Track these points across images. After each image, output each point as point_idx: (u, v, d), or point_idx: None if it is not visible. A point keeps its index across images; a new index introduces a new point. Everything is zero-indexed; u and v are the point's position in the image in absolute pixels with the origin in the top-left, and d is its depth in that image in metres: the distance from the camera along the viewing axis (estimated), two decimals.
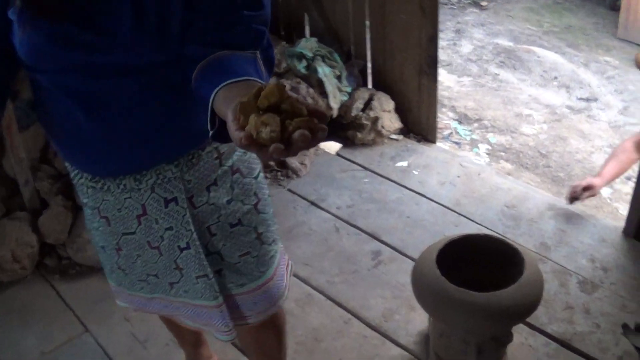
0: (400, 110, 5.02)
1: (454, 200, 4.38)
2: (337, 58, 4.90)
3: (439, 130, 5.34)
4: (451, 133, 5.80)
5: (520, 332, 3.42)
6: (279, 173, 4.73)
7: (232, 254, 2.18)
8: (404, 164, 4.75)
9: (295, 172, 4.69)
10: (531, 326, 3.48)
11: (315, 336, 3.52)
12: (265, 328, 2.53)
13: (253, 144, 1.22)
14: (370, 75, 5.20)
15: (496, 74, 6.87)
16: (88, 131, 1.87)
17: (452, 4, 8.64)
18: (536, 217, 4.19)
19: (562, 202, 4.28)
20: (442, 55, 7.08)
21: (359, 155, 4.88)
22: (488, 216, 4.23)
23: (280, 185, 4.67)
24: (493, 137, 5.74)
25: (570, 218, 4.17)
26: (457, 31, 7.88)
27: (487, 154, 5.52)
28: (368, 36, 5.00)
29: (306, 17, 5.27)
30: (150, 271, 2.22)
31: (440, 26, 7.66)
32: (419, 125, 5.02)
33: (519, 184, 4.57)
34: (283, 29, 5.47)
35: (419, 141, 5.01)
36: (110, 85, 1.78)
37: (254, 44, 1.75)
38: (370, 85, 5.18)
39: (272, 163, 4.68)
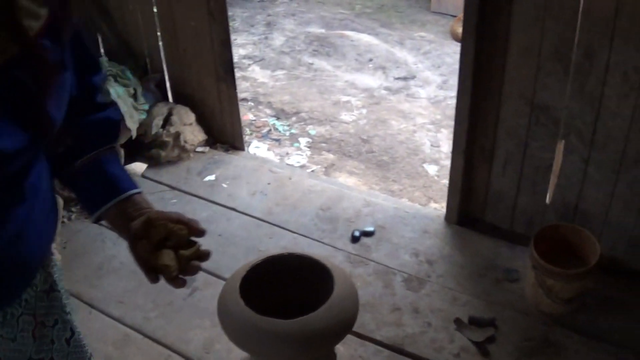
0: (203, 121, 4.72)
1: (266, 210, 4.10)
2: (130, 75, 4.51)
3: (257, 130, 5.16)
4: (270, 130, 5.55)
5: (349, 344, 3.18)
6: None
7: None
8: (212, 177, 4.44)
9: None
10: (359, 335, 3.25)
11: None
12: None
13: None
14: (169, 89, 4.84)
15: (310, 63, 6.65)
16: None
17: None
18: (352, 217, 3.95)
19: (378, 196, 4.05)
20: (254, 51, 6.87)
21: (165, 174, 4.52)
22: (303, 222, 3.97)
23: (87, 218, 4.22)
24: (313, 130, 5.52)
25: (388, 212, 3.94)
26: (268, 24, 7.59)
27: (308, 147, 5.29)
28: (162, 47, 4.66)
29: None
30: None
31: (251, 21, 7.48)
32: (225, 134, 4.73)
33: (333, 183, 4.34)
34: None
35: (226, 150, 4.72)
36: None
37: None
38: (171, 99, 4.84)
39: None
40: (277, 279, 2.80)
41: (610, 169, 3.26)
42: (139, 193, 1.71)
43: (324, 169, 4.97)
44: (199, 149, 4.66)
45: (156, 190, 4.38)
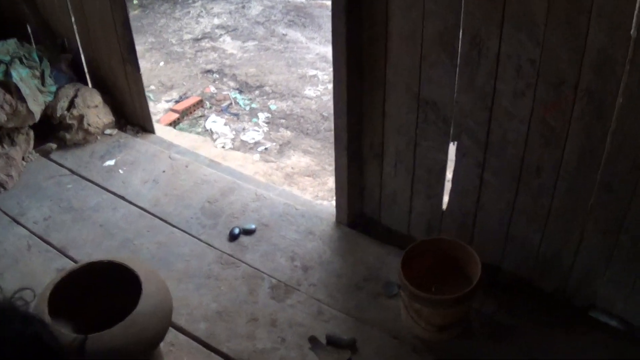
0: (116, 103, 4.31)
1: (154, 201, 3.67)
2: (36, 57, 4.10)
3: (217, 103, 4.91)
4: (230, 104, 5.19)
5: (193, 353, 2.77)
6: None
7: None
8: (112, 162, 4.01)
9: (2, 186, 3.88)
10: (206, 345, 2.82)
11: None
12: None
13: None
14: (86, 70, 4.41)
15: (284, 34, 6.22)
16: None
17: None
18: (238, 212, 3.48)
19: (273, 190, 3.56)
20: (228, 20, 6.50)
21: (70, 157, 4.11)
22: (185, 216, 3.53)
23: None
24: (274, 105, 5.13)
25: (276, 209, 3.44)
26: None
27: (267, 123, 4.93)
28: (75, 28, 4.23)
29: None
30: None
31: None
32: (136, 116, 4.30)
33: (230, 174, 3.84)
34: (9, 23, 4.60)
35: (136, 133, 4.28)
36: None
37: None
38: (89, 81, 4.42)
39: None
40: (95, 287, 2.49)
41: (510, 177, 2.71)
42: None
43: (278, 147, 4.60)
44: (108, 131, 4.24)
45: (57, 174, 3.97)
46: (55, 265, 3.33)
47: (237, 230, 3.32)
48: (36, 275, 3.31)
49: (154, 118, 4.92)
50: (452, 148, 2.82)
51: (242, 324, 2.86)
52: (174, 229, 3.43)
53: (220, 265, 3.16)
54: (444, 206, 3.01)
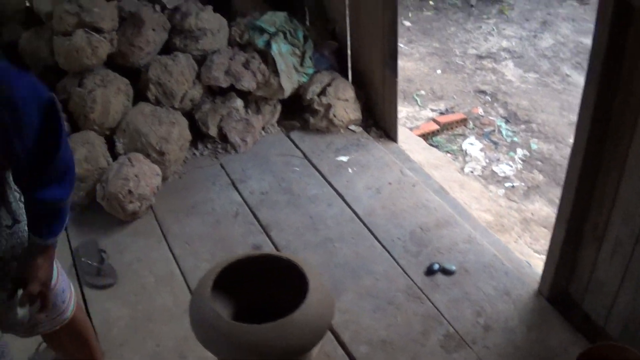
0: (366, 102, 4.36)
1: (369, 209, 3.67)
2: (300, 36, 4.26)
3: (480, 126, 4.85)
4: (493, 131, 5.10)
5: None
6: (219, 146, 4.23)
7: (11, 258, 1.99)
8: (344, 159, 4.07)
9: (234, 147, 4.13)
10: None
11: None
12: (64, 333, 2.39)
13: None
14: (350, 60, 4.49)
15: (567, 75, 5.95)
16: None
17: None
18: (444, 248, 3.39)
19: (487, 237, 3.47)
20: (516, 46, 6.36)
21: (307, 141, 4.26)
22: (393, 234, 3.50)
23: (216, 158, 4.18)
24: (535, 144, 4.96)
25: (484, 257, 3.33)
26: (544, 23, 6.87)
27: (522, 160, 4.78)
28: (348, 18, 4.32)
29: None
30: None
31: (527, 15, 6.95)
32: (383, 120, 4.31)
33: (453, 206, 3.73)
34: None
35: (379, 137, 4.29)
36: None
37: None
38: (350, 71, 4.50)
39: (214, 135, 4.20)
40: (247, 280, 2.57)
41: None
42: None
43: (526, 188, 4.46)
44: (352, 127, 4.30)
45: (289, 153, 4.14)
46: (252, 240, 3.49)
47: (436, 267, 3.26)
48: (229, 242, 3.51)
49: (416, 123, 4.96)
50: None
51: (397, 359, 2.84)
52: (377, 243, 3.42)
53: (406, 295, 3.12)
54: None
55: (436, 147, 4.80)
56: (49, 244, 1.96)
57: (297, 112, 4.40)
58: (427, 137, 4.86)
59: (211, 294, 2.37)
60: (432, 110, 5.39)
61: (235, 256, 2.54)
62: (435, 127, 5.01)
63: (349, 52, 4.43)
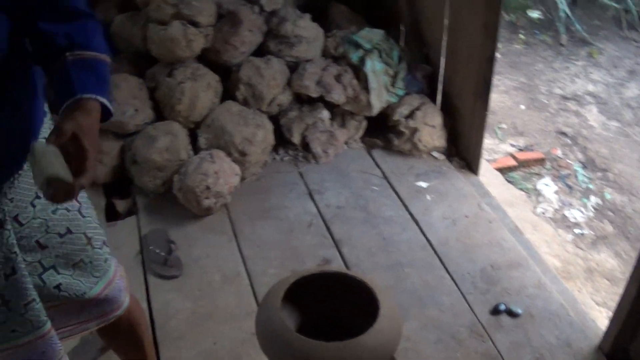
0: (452, 130, 4.34)
1: (443, 240, 3.64)
2: (395, 56, 4.27)
3: (557, 167, 4.85)
4: (569, 175, 5.04)
5: None
6: (300, 154, 4.27)
7: (66, 265, 1.94)
8: (423, 185, 4.05)
9: (315, 158, 4.16)
10: None
11: None
12: (121, 325, 2.35)
13: None
14: (440, 85, 4.48)
15: None
16: None
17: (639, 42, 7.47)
18: (513, 290, 3.34)
19: (557, 284, 3.44)
20: (602, 92, 6.26)
21: (389, 161, 4.25)
22: (463, 269, 3.46)
23: (295, 166, 4.21)
24: (609, 194, 4.88)
25: (551, 305, 3.29)
26: (631, 72, 6.73)
27: (595, 209, 4.71)
28: (444, 43, 4.31)
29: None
30: None
31: (616, 62, 6.88)
32: (466, 150, 4.29)
33: (526, 248, 3.68)
34: (385, 15, 4.83)
35: (461, 167, 4.26)
36: None
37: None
38: (439, 96, 4.48)
39: (296, 143, 4.26)
40: (315, 293, 2.55)
41: None
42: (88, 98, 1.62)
43: (594, 237, 4.39)
44: (435, 153, 4.28)
45: (369, 171, 4.15)
46: (323, 253, 3.50)
47: (502, 307, 3.21)
48: (300, 252, 3.53)
49: (494, 156, 4.92)
50: None
51: None
52: (447, 275, 3.39)
53: (469, 331, 3.08)
54: None
55: (511, 183, 4.78)
56: (90, 99, 1.61)
57: (380, 130, 4.40)
58: (503, 171, 4.84)
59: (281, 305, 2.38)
60: (512, 145, 5.35)
61: (309, 270, 2.53)
62: (513, 163, 4.98)
63: (440, 77, 4.41)
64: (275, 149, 4.24)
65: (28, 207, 1.79)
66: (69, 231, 1.91)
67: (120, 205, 3.90)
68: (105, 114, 1.66)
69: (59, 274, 1.93)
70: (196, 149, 3.92)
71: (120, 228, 3.73)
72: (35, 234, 1.83)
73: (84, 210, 1.97)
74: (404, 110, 4.22)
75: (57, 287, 1.92)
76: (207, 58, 4.17)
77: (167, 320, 3.12)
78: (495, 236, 3.69)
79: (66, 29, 1.64)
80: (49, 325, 1.90)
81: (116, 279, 2.15)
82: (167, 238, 3.59)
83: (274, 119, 4.22)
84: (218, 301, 3.23)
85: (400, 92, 4.26)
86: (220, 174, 3.67)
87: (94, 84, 1.63)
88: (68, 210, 1.91)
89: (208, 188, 3.61)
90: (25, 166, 1.76)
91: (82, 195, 1.98)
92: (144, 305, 3.19)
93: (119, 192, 4.00)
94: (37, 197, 1.80)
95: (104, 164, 3.92)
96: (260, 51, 4.31)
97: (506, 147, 5.29)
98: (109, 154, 3.94)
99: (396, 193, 3.97)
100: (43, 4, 1.63)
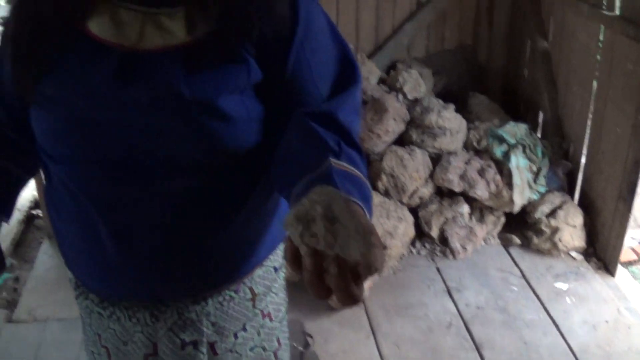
0: (591, 231, 4.33)
1: (584, 346, 3.63)
2: (539, 152, 4.31)
3: None
4: None
5: None
6: (437, 248, 4.32)
7: None
8: (563, 286, 4.06)
9: (453, 253, 4.23)
10: None
11: None
12: None
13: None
14: (579, 184, 4.51)
15: None
16: (104, 244, 1.49)
17: None
18: None
19: None
20: None
21: (527, 260, 4.27)
22: None
23: (432, 260, 4.27)
24: None
25: None
26: None
27: None
28: (587, 140, 4.34)
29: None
30: None
31: None
32: (604, 252, 4.27)
33: None
34: (523, 105, 4.91)
35: (597, 268, 4.25)
36: (139, 190, 1.42)
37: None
38: (577, 194, 4.51)
39: (434, 236, 4.29)
40: None
41: None
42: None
43: None
44: (573, 253, 4.29)
45: (507, 270, 4.19)
46: (464, 357, 3.52)
47: None
48: (440, 354, 3.55)
49: None
50: None
51: None
52: None
53: None
54: None
55: (635, 278, 4.73)
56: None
57: (517, 226, 4.44)
58: (624, 265, 4.79)
59: None
60: (632, 238, 5.29)
61: None
62: (634, 257, 4.92)
63: (580, 174, 4.45)
64: (411, 241, 4.29)
65: (230, 337, 1.65)
66: None
67: None
68: None
69: None
70: None
71: None
72: None
73: (280, 354, 1.83)
74: (545, 208, 4.24)
75: None
76: None
77: None
78: (634, 343, 3.68)
79: (337, 139, 1.32)
80: None
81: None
82: (304, 330, 3.61)
83: (413, 210, 4.29)
84: None
85: (542, 189, 4.29)
86: None
87: (359, 198, 1.17)
88: (264, 350, 1.76)
89: None
90: (241, 291, 1.64)
91: (285, 337, 1.86)
92: None
93: None
94: (243, 329, 1.67)
95: None
96: (402, 140, 4.40)
97: (627, 242, 5.21)
98: None
99: (536, 295, 3.98)
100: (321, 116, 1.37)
